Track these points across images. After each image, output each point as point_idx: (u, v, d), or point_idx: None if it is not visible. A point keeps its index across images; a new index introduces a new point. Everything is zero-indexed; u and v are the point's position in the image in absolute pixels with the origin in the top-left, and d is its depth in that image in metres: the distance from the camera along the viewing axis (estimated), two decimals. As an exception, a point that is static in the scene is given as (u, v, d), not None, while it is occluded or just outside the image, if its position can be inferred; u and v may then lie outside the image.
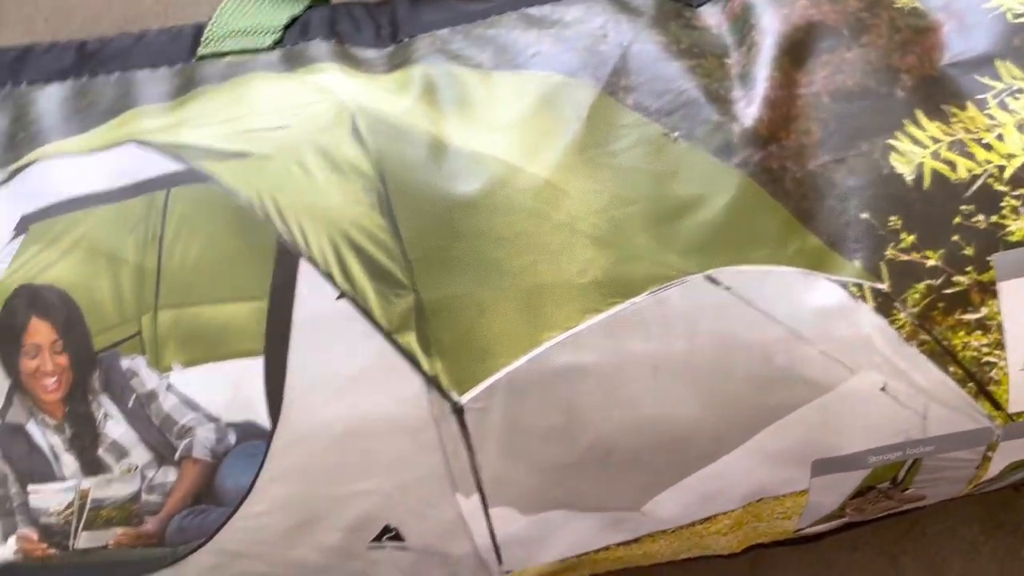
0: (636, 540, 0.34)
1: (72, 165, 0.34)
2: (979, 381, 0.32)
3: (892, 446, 0.32)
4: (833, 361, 0.31)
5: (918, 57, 0.34)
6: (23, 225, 0.33)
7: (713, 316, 0.31)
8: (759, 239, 0.31)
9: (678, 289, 0.31)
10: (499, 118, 0.33)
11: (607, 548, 0.34)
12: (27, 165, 0.34)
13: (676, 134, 0.32)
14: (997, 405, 0.32)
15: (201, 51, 0.37)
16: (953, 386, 0.32)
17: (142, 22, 0.61)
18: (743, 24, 0.35)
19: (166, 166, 0.33)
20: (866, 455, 0.32)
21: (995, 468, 0.34)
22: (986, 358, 0.31)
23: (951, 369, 0.31)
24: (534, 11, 0.36)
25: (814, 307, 0.31)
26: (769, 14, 0.34)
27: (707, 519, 0.34)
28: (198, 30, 0.38)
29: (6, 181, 0.34)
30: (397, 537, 0.32)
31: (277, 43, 0.37)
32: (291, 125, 0.33)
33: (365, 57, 0.36)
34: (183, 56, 0.37)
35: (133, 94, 0.35)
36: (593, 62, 0.34)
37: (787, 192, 0.32)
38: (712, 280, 0.31)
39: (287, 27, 0.38)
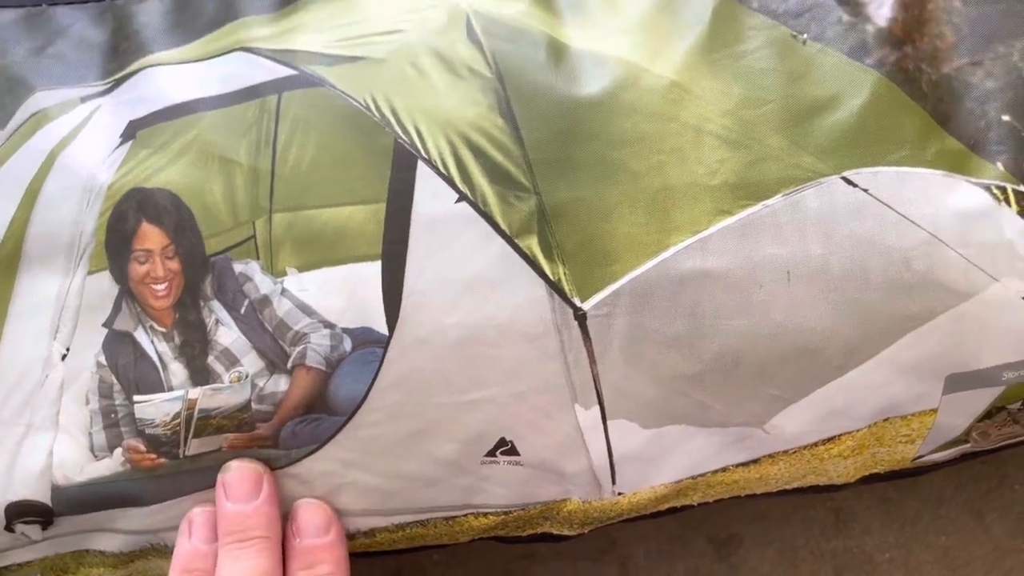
0: (755, 461, 0.33)
1: (179, 72, 0.33)
2: None
3: (1030, 360, 0.31)
4: (974, 267, 0.30)
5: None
6: (130, 131, 0.32)
7: (850, 219, 0.29)
8: (897, 140, 0.30)
9: (813, 191, 0.30)
10: (618, 22, 0.32)
11: (724, 470, 0.33)
12: (132, 73, 0.33)
13: (805, 36, 0.31)
14: None
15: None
16: (1099, 297, 0.30)
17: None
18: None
19: (277, 71, 0.32)
20: (1001, 370, 0.31)
21: None
22: None
23: (1098, 279, 0.30)
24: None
25: (955, 210, 0.30)
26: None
27: (830, 439, 0.32)
28: None
29: (111, 89, 0.33)
30: (512, 451, 0.31)
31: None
32: (405, 29, 0.32)
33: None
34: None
35: (237, 5, 0.35)
36: (715, -36, 0.33)
37: (924, 94, 0.30)
38: (849, 182, 0.30)
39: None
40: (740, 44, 0.31)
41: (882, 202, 0.30)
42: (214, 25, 0.34)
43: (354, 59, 0.32)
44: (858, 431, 0.32)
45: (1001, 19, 0.31)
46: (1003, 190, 0.30)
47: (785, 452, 0.33)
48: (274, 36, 0.33)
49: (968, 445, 0.34)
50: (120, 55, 0.34)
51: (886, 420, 0.32)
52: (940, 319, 0.30)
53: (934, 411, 0.32)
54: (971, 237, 0.29)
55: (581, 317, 0.30)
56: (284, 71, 0.32)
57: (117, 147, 0.32)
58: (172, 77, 0.33)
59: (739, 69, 0.31)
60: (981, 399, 0.32)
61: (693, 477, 0.33)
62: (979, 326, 0.30)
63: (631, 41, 0.31)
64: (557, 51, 0.31)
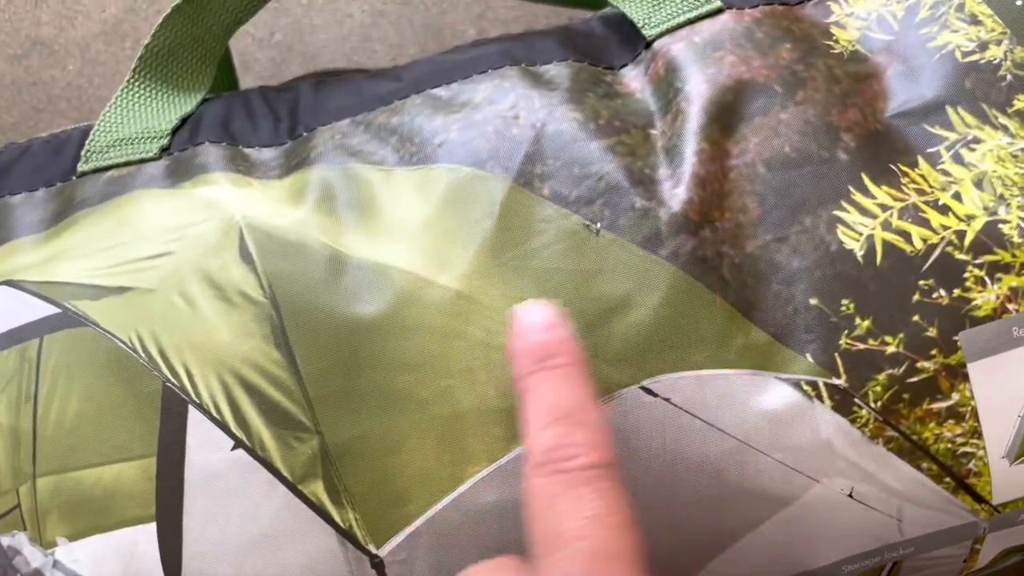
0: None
1: (-63, 316, 0.30)
2: (956, 475, 0.28)
3: (867, 553, 0.29)
4: (791, 471, 0.28)
5: (860, 110, 0.31)
6: None
7: (653, 433, 0.27)
8: (697, 339, 0.28)
9: (614, 404, 0.27)
10: (404, 223, 0.30)
11: None
12: None
13: (598, 225, 0.29)
14: (979, 498, 0.29)
15: (82, 167, 0.33)
16: (928, 483, 0.28)
17: (53, 107, 0.58)
18: (668, 88, 0.32)
19: (39, 310, 0.30)
20: (840, 565, 0.29)
21: (985, 558, 0.31)
22: (962, 449, 0.28)
23: (924, 465, 0.28)
24: (441, 92, 0.33)
25: (764, 413, 0.27)
26: (695, 76, 0.31)
27: (673, 645, 0.30)
28: (85, 135, 0.35)
29: None
30: None
31: (164, 149, 0.34)
32: (175, 251, 0.30)
33: (260, 159, 0.33)
34: (64, 173, 0.34)
35: (8, 225, 0.32)
36: (504, 149, 0.30)
37: (725, 282, 0.28)
38: (649, 391, 0.28)
39: (177, 128, 0.34)
40: (530, 241, 0.29)
41: (686, 411, 0.27)
42: (-17, 251, 0.32)
43: (121, 290, 0.30)
44: (701, 634, 0.30)
45: (808, 184, 0.29)
46: (814, 385, 0.28)
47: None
48: (41, 263, 0.31)
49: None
50: None
51: (728, 622, 0.30)
52: (764, 527, 0.28)
53: (778, 608, 0.30)
54: (785, 440, 0.27)
55: (378, 565, 0.28)
56: (46, 309, 0.30)
57: None
58: (-70, 323, 0.30)
59: (530, 271, 0.29)
60: (825, 591, 0.30)
61: None
62: (807, 528, 0.28)
63: (416, 246, 0.29)
64: (337, 266, 0.29)
